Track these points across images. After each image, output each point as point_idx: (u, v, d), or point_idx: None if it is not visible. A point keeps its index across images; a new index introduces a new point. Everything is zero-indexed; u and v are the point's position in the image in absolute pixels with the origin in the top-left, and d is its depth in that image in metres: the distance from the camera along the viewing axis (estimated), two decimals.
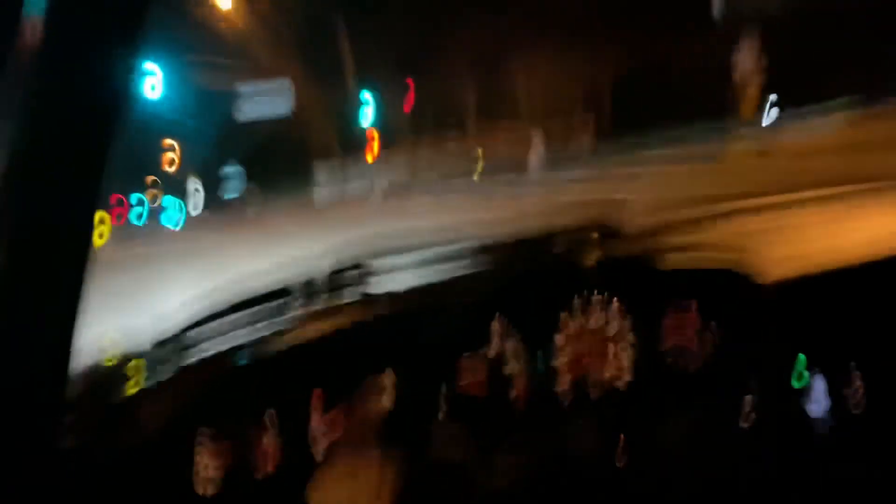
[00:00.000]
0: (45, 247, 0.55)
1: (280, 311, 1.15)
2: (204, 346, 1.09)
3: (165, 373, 1.04)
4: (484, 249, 1.26)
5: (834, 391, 1.09)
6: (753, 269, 1.18)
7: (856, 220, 1.40)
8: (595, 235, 1.24)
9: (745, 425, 1.08)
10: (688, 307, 1.15)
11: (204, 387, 1.04)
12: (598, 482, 0.97)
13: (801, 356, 1.08)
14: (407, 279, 1.22)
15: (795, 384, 1.08)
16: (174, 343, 1.09)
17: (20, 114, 0.53)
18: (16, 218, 0.54)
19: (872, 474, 1.07)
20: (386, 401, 1.05)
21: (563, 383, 1.13)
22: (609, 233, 1.28)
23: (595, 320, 1.15)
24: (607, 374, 1.14)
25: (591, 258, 1.15)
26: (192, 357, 1.07)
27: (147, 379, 1.03)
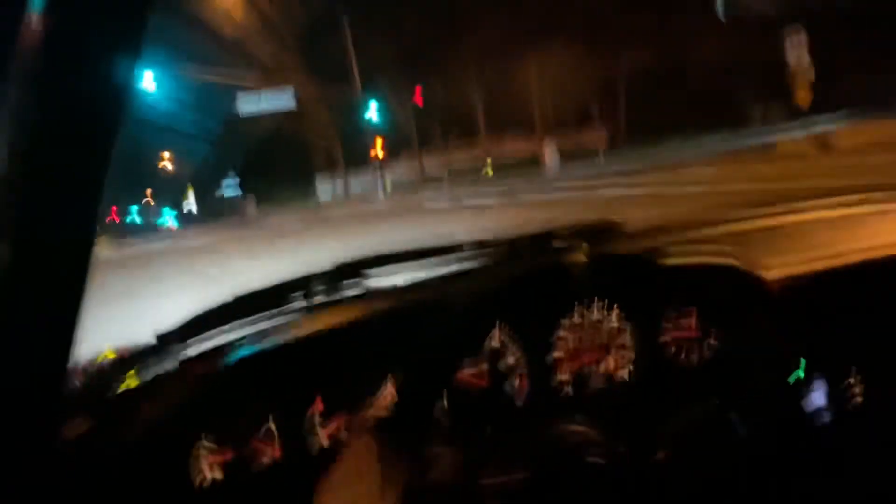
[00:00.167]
0: (46, 247, 0.55)
1: (279, 309, 1.12)
2: (203, 344, 1.04)
3: (164, 371, 0.99)
4: (484, 248, 1.24)
5: (834, 392, 1.06)
6: (756, 267, 1.15)
7: (865, 222, 1.39)
8: (595, 234, 1.23)
9: (744, 423, 1.03)
10: (688, 305, 1.14)
11: (203, 385, 0.98)
12: (599, 481, 0.91)
13: (802, 360, 1.06)
14: (406, 278, 1.18)
15: (792, 381, 1.06)
16: (173, 341, 1.04)
17: (20, 114, 0.53)
18: (17, 218, 0.53)
19: (873, 474, 1.06)
20: (388, 401, 1.02)
21: (563, 381, 1.11)
22: (610, 231, 1.27)
23: (595, 318, 1.13)
24: (607, 372, 1.13)
25: (592, 256, 1.10)
26: (191, 355, 1.02)
27: (146, 377, 0.98)
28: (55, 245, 0.56)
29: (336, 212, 22.77)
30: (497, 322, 1.09)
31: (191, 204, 52.17)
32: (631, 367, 1.15)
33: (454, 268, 1.20)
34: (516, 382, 1.10)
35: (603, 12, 22.89)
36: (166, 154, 50.48)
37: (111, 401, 0.95)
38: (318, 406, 1.02)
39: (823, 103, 16.00)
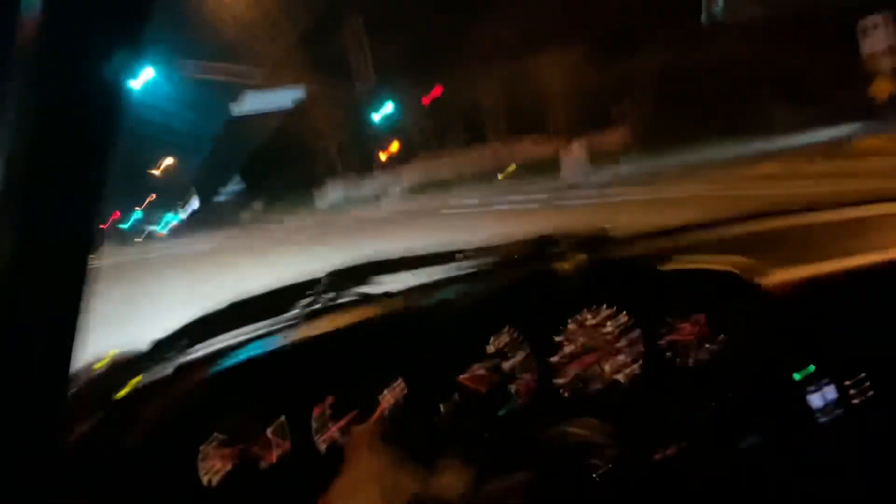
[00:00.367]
0: (46, 247, 0.55)
1: (280, 314, 1.12)
2: (205, 348, 1.05)
3: (166, 374, 0.98)
4: (486, 252, 1.22)
5: (833, 394, 1.06)
6: (756, 272, 1.17)
7: (866, 226, 1.39)
8: (598, 238, 1.22)
9: (745, 425, 1.06)
10: (689, 309, 1.16)
11: (205, 389, 0.98)
12: (602, 482, 0.90)
13: (811, 365, 1.07)
14: (408, 283, 1.17)
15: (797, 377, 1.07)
16: (175, 345, 1.05)
17: (20, 112, 0.53)
18: (18, 218, 0.54)
19: (873, 474, 1.08)
20: (391, 404, 1.03)
21: (565, 383, 1.12)
22: (612, 236, 1.25)
23: (597, 322, 1.15)
24: (608, 375, 1.14)
25: (593, 260, 1.12)
26: (193, 359, 1.02)
27: (148, 380, 0.98)
28: (56, 246, 0.55)
29: (348, 216, 21.69)
30: (500, 326, 1.11)
31: (193, 208, 51.74)
32: (632, 370, 1.15)
33: (456, 272, 1.20)
34: (519, 385, 1.11)
35: (627, 10, 21.90)
36: (168, 160, 50.60)
37: (114, 403, 0.94)
38: (322, 409, 1.02)
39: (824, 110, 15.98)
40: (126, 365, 1.02)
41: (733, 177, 11.43)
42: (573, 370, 1.13)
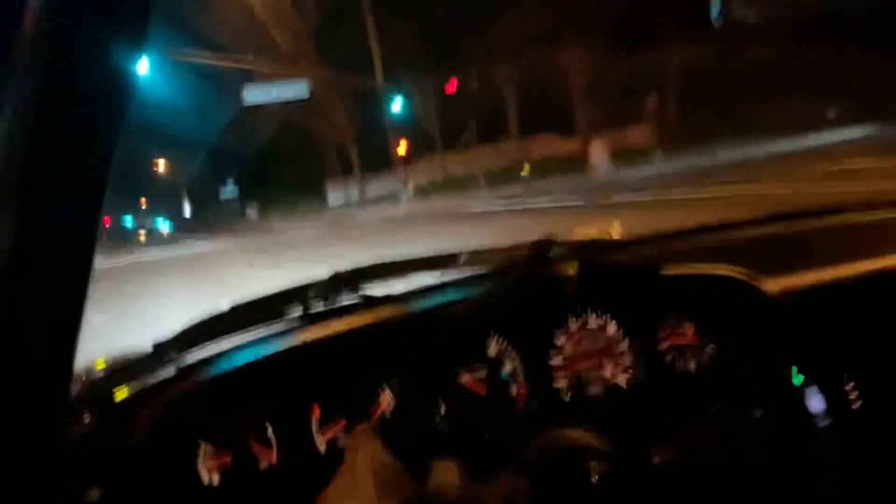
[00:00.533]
0: (47, 246, 0.55)
1: (277, 318, 1.12)
2: (201, 352, 1.05)
3: (163, 378, 0.99)
4: (482, 256, 1.23)
5: (830, 399, 1.05)
6: (755, 277, 1.15)
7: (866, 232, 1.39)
8: (595, 242, 1.24)
9: (742, 429, 1.05)
10: (686, 313, 1.16)
11: (202, 392, 0.98)
12: (599, 487, 0.90)
13: (794, 368, 1.06)
14: (404, 287, 1.18)
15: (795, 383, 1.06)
16: (171, 349, 1.04)
17: (21, 108, 0.53)
18: (18, 216, 0.54)
19: (869, 480, 1.07)
20: (386, 409, 1.04)
21: (562, 387, 1.13)
22: (609, 240, 1.27)
23: (594, 326, 1.15)
24: (605, 379, 1.15)
25: (590, 265, 1.10)
26: (190, 363, 1.02)
27: (145, 384, 0.98)
28: (57, 245, 0.55)
29: (362, 216, 20.28)
30: (499, 329, 1.11)
31: (189, 208, 50.39)
32: (629, 374, 1.15)
33: (456, 276, 1.21)
34: (515, 389, 1.11)
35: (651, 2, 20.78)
36: (164, 158, 49.24)
37: (115, 404, 0.95)
38: (321, 411, 1.03)
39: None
40: (127, 366, 1.03)
41: (808, 174, 10.37)
42: (572, 373, 1.13)
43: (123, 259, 18.09)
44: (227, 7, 21.42)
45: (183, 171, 50.17)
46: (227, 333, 1.07)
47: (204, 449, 0.96)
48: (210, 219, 43.86)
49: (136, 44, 0.54)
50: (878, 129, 14.50)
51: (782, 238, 1.39)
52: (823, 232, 1.41)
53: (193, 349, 1.05)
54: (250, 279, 9.34)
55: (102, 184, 0.56)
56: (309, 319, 1.11)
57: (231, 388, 1.00)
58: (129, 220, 62.69)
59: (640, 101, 23.96)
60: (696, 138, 20.40)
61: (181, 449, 0.95)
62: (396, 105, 22.53)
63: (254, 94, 20.93)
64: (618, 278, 1.14)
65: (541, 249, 1.17)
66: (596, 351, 1.14)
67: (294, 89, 21.25)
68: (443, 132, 26.80)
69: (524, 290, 1.11)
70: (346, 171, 30.25)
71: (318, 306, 1.13)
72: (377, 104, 23.50)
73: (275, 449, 1.00)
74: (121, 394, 0.95)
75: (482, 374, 1.09)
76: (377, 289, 1.16)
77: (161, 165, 48.75)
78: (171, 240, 31.10)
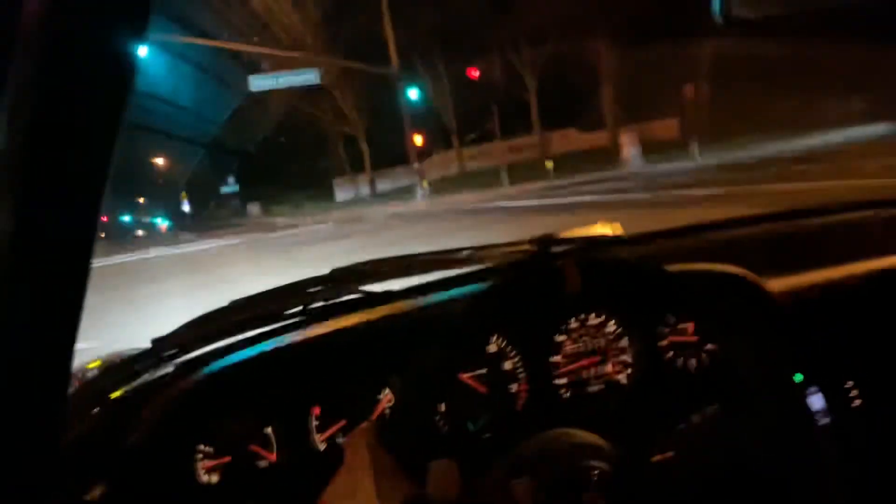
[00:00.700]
0: (46, 244, 0.54)
1: (277, 316, 1.12)
2: (200, 349, 1.05)
3: (161, 376, 1.00)
4: (482, 253, 1.19)
5: (832, 399, 1.03)
6: (757, 275, 1.15)
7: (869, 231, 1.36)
8: (596, 239, 1.24)
9: (743, 428, 1.05)
10: (688, 311, 1.16)
11: (200, 390, 0.98)
12: (600, 483, 0.92)
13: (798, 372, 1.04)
14: (404, 284, 1.17)
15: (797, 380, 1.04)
16: (170, 347, 1.06)
17: (18, 100, 0.52)
18: (16, 215, 0.52)
19: (870, 479, 1.08)
20: (386, 407, 1.06)
21: (562, 385, 1.13)
22: (611, 237, 1.26)
23: (594, 323, 1.16)
24: (605, 377, 1.15)
25: (591, 262, 1.06)
26: (188, 360, 1.03)
27: (143, 382, 1.00)
28: (55, 242, 0.55)
29: (377, 212, 18.83)
30: (500, 326, 1.11)
31: (185, 207, 49.08)
32: (629, 372, 1.16)
33: (452, 274, 1.20)
34: (516, 387, 1.11)
35: None
36: (158, 158, 47.98)
37: (114, 402, 0.95)
38: (321, 409, 1.03)
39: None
40: (125, 364, 1.04)
41: (860, 170, 9.20)
42: (573, 371, 1.14)
43: (116, 258, 17.05)
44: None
45: (181, 167, 49.03)
46: (226, 331, 1.07)
47: (203, 448, 0.97)
48: (210, 216, 42.70)
49: (137, 33, 0.52)
50: None
51: (784, 236, 1.37)
52: (825, 230, 1.38)
53: (192, 347, 1.05)
54: (263, 280, 8.15)
55: (102, 180, 0.54)
56: (309, 317, 1.11)
57: (230, 387, 1.00)
58: (126, 218, 61.67)
59: (669, 94, 22.68)
60: (728, 132, 19.30)
61: (180, 448, 0.95)
62: (413, 94, 21.03)
63: (260, 82, 19.47)
64: (618, 276, 1.08)
65: (541, 246, 1.13)
66: (596, 349, 1.15)
67: (304, 76, 19.80)
68: (459, 123, 25.31)
69: (525, 287, 1.05)
70: (354, 165, 28.73)
71: (318, 303, 1.13)
72: (391, 93, 22.05)
73: (274, 448, 1.00)
74: (121, 391, 0.96)
75: (482, 372, 1.10)
76: (377, 286, 1.16)
77: (159, 161, 47.61)
78: (170, 238, 29.53)
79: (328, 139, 29.22)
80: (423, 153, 22.84)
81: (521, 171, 21.02)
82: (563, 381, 1.13)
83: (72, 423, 0.86)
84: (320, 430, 1.02)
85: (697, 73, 21.98)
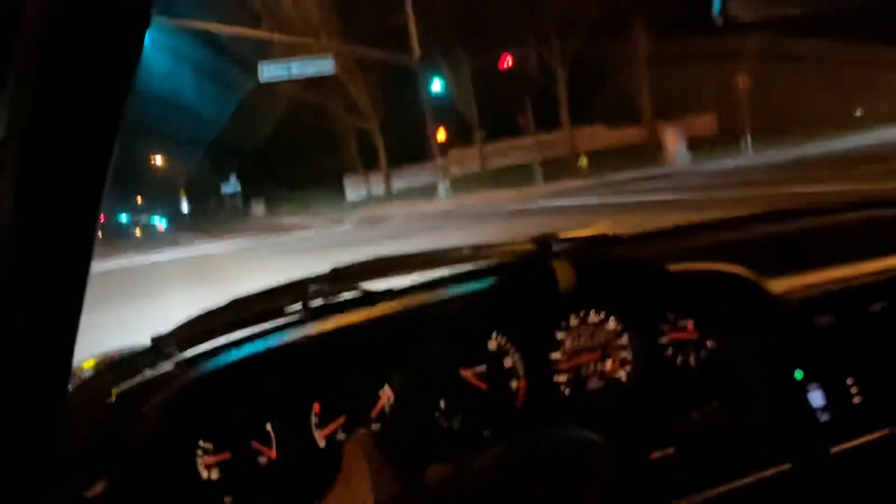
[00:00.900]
0: (45, 243, 0.55)
1: (277, 313, 1.11)
2: (200, 347, 1.05)
3: (161, 373, 1.00)
4: (483, 251, 1.18)
5: (831, 396, 1.09)
6: (757, 274, 1.15)
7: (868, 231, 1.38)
8: (599, 238, 1.23)
9: (742, 425, 1.07)
10: (688, 309, 1.17)
11: (200, 387, 0.98)
12: (600, 480, 0.92)
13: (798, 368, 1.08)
14: (405, 282, 1.17)
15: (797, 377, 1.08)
16: (170, 344, 1.04)
17: (19, 98, 0.51)
18: (15, 214, 0.53)
19: (870, 478, 1.09)
20: (386, 404, 1.05)
21: (562, 382, 1.13)
22: (611, 237, 1.26)
23: (594, 321, 1.16)
24: (605, 374, 1.16)
25: (592, 260, 1.08)
26: (188, 358, 1.03)
27: (144, 379, 0.99)
28: (55, 242, 0.55)
29: (395, 211, 17.17)
30: (500, 324, 1.11)
31: (184, 206, 47.50)
32: (629, 369, 1.16)
33: (453, 272, 1.20)
34: (516, 384, 1.11)
35: None
36: (157, 155, 46.46)
37: (114, 400, 0.95)
38: (321, 406, 1.03)
39: None
40: (126, 361, 1.03)
41: None
42: (573, 368, 1.14)
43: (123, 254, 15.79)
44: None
45: (180, 164, 47.43)
46: (226, 328, 1.06)
47: (203, 445, 0.97)
48: (210, 215, 41.09)
49: (138, 29, 0.51)
50: None
51: (784, 236, 1.36)
52: (825, 230, 1.38)
53: (193, 343, 1.04)
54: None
55: (102, 179, 0.54)
56: (309, 314, 1.10)
57: (230, 384, 0.99)
58: (123, 217, 60.15)
59: (704, 89, 21.19)
60: (772, 128, 17.84)
61: (180, 445, 0.95)
62: (436, 85, 19.35)
63: (270, 71, 17.79)
64: (619, 274, 1.11)
65: (542, 245, 1.12)
66: (596, 346, 1.15)
67: (317, 65, 18.12)
68: (480, 117, 23.64)
69: (525, 285, 1.07)
70: (365, 163, 27.03)
71: (319, 301, 1.12)
72: (407, 84, 20.40)
73: (274, 445, 1.00)
74: (121, 389, 0.96)
75: (483, 369, 1.10)
76: (378, 284, 1.15)
77: (157, 159, 46.09)
78: (170, 239, 27.81)
79: (338, 134, 27.47)
80: (443, 149, 21.17)
81: (550, 169, 19.41)
82: (563, 378, 1.12)
83: (72, 422, 0.84)
84: (320, 426, 1.02)
85: (736, 66, 20.48)
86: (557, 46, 21.20)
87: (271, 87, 24.45)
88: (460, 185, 20.46)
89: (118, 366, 1.02)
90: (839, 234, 1.36)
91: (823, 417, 1.07)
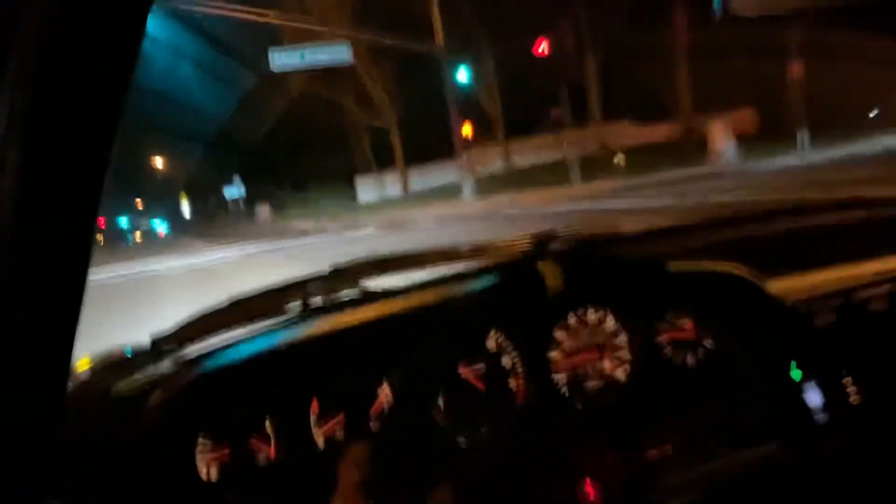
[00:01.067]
0: (45, 243, 0.54)
1: (276, 313, 1.12)
2: (200, 346, 1.06)
3: (161, 373, 1.00)
4: (481, 250, 1.23)
5: (829, 395, 1.06)
6: (756, 274, 1.12)
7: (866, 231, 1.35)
8: (598, 237, 1.26)
9: (740, 425, 1.07)
10: (686, 308, 1.18)
11: (200, 386, 0.98)
12: (600, 480, 0.96)
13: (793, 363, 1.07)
14: (403, 282, 1.17)
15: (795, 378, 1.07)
16: (170, 343, 1.06)
17: (18, 103, 0.51)
18: (14, 215, 0.52)
19: (869, 477, 1.07)
20: (384, 404, 1.07)
21: (560, 382, 1.14)
22: (610, 236, 1.29)
23: (592, 320, 1.17)
24: (604, 373, 1.17)
25: (590, 259, 1.10)
26: (188, 357, 1.03)
27: (143, 379, 0.99)
28: (54, 241, 0.54)
29: (416, 214, 15.60)
30: (499, 323, 1.11)
31: (185, 210, 46.08)
32: (628, 368, 1.16)
33: (451, 271, 1.21)
34: (514, 383, 1.12)
35: None
36: (157, 157, 45.05)
37: (114, 400, 0.95)
38: (315, 408, 1.03)
39: None
40: (125, 360, 1.03)
41: None
42: (571, 367, 1.14)
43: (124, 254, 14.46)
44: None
45: (181, 166, 46.08)
46: (225, 327, 1.08)
47: (202, 443, 0.97)
48: (213, 219, 39.66)
49: (138, 18, 0.51)
50: None
51: (783, 235, 1.36)
52: (825, 229, 1.38)
53: (192, 343, 1.05)
54: None
55: (101, 179, 0.54)
56: (308, 313, 1.12)
57: (229, 383, 1.00)
58: (123, 222, 58.81)
59: (745, 83, 19.66)
60: (824, 126, 16.40)
61: (180, 443, 0.96)
62: (462, 76, 17.76)
63: (282, 59, 16.24)
64: (617, 273, 1.10)
65: (541, 243, 1.15)
66: (595, 345, 1.16)
67: (333, 52, 16.57)
68: (505, 112, 22.04)
69: (524, 284, 1.05)
70: (380, 161, 25.40)
71: (318, 300, 1.13)
72: (426, 76, 18.87)
73: (273, 443, 1.01)
74: (121, 389, 0.96)
75: (481, 368, 1.11)
76: (377, 283, 1.16)
77: (157, 161, 44.68)
78: (172, 244, 26.23)
79: (349, 131, 25.84)
80: (468, 146, 19.59)
81: (590, 166, 17.84)
82: (562, 377, 1.13)
83: (72, 421, 0.81)
84: (319, 425, 1.03)
85: (790, 58, 18.99)
86: (588, 34, 19.68)
87: (275, 83, 22.94)
88: (485, 185, 18.89)
89: (118, 365, 1.02)
90: (839, 233, 1.35)
91: (822, 417, 1.03)
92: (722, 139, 17.19)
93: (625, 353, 1.15)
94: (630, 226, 1.32)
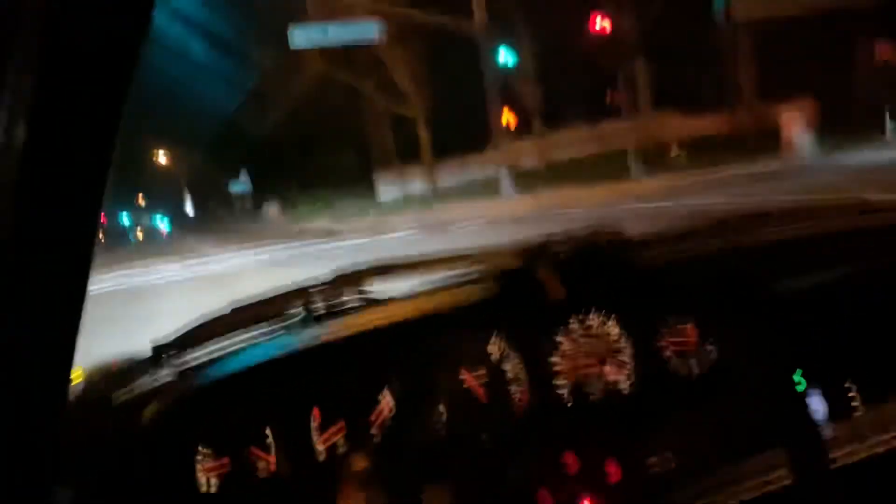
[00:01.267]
0: (45, 243, 0.54)
1: (278, 320, 1.13)
2: (201, 353, 1.06)
3: (163, 380, 1.00)
4: (483, 256, 1.22)
5: (831, 401, 1.07)
6: (756, 278, 1.17)
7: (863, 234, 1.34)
8: (600, 242, 1.21)
9: (742, 431, 1.06)
10: (688, 315, 1.16)
11: (201, 395, 0.99)
12: (601, 485, 0.96)
13: (799, 371, 1.08)
14: (406, 288, 1.17)
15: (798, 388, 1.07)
16: (171, 351, 1.05)
17: (17, 95, 0.50)
18: (14, 214, 0.52)
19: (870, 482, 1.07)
20: (386, 411, 1.04)
21: (562, 389, 1.12)
22: (612, 242, 1.24)
23: (594, 326, 1.15)
24: (606, 380, 1.14)
25: (592, 265, 1.12)
26: (190, 365, 1.03)
27: (145, 386, 0.99)
28: (55, 242, 0.54)
29: (453, 213, 13.73)
30: (497, 331, 1.11)
31: (188, 207, 44.47)
32: (630, 375, 1.15)
33: (454, 277, 1.20)
34: (516, 390, 1.11)
35: None
36: (159, 152, 43.40)
37: (115, 407, 0.95)
38: (317, 416, 1.02)
39: None
40: (127, 368, 1.03)
41: None
42: (573, 374, 1.13)
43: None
44: None
45: (184, 161, 44.40)
46: (227, 334, 1.07)
47: (202, 453, 0.96)
48: (218, 218, 37.95)
49: (140, 18, 0.51)
50: None
51: (783, 237, 1.35)
52: (825, 231, 1.38)
53: (193, 350, 1.04)
54: None
55: (103, 177, 0.53)
56: (310, 320, 1.11)
57: (230, 391, 0.99)
58: (125, 219, 57.15)
59: (792, 74, 17.84)
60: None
61: (180, 453, 0.95)
62: (504, 57, 15.85)
63: (303, 35, 14.39)
64: (619, 278, 1.12)
65: (544, 249, 1.15)
66: (597, 352, 1.14)
67: (358, 29, 14.73)
68: (543, 100, 20.10)
69: (525, 290, 1.08)
70: (402, 155, 23.47)
71: (320, 307, 1.13)
72: (456, 60, 17.01)
73: (273, 453, 1.00)
74: (122, 395, 0.95)
75: (483, 375, 1.09)
76: (378, 289, 1.15)
77: (159, 155, 43.02)
78: (177, 245, 24.34)
79: (368, 121, 23.88)
80: (510, 136, 17.68)
81: (654, 158, 15.97)
82: (564, 384, 1.12)
83: (72, 429, 0.82)
84: (320, 435, 1.02)
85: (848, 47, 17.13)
86: (635, 16, 17.78)
87: (288, 67, 21.11)
88: (526, 180, 16.99)
89: (119, 373, 1.01)
90: (839, 235, 1.35)
91: (823, 420, 1.04)
92: (795, 131, 15.42)
93: (627, 361, 1.12)
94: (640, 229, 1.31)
